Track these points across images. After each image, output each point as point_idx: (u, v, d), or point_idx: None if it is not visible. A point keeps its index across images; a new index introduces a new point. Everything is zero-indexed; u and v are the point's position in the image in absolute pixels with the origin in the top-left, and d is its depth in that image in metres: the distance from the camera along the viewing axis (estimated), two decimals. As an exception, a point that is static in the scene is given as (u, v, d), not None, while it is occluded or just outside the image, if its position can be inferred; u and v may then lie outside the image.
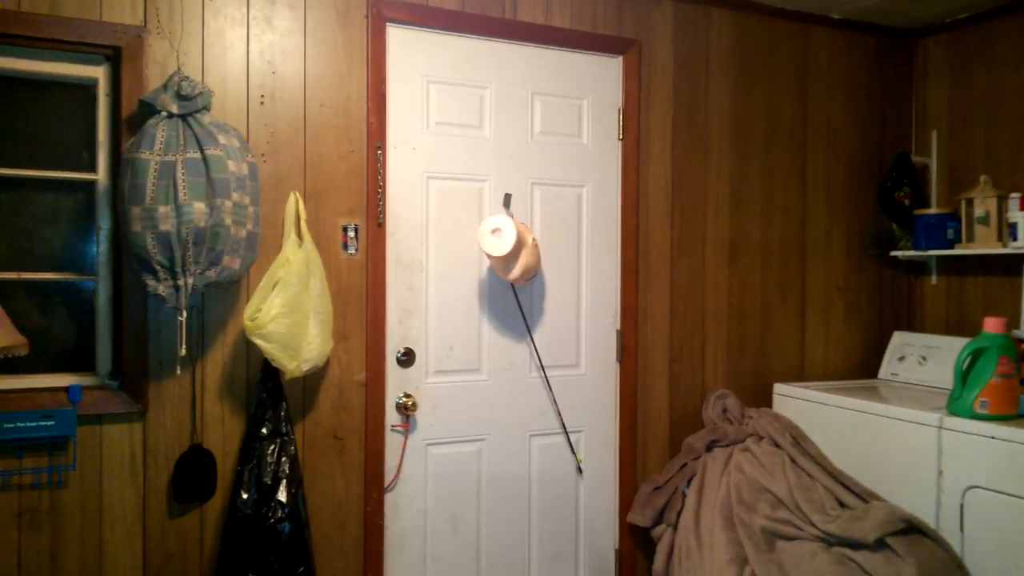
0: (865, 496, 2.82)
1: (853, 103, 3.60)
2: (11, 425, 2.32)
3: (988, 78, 3.39)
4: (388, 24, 2.75)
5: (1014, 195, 3.08)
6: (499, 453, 2.95)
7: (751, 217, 3.39)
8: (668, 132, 3.22)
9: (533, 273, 2.84)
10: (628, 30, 3.14)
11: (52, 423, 2.37)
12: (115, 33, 2.42)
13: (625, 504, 3.12)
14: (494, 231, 2.71)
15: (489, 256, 2.73)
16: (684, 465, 3.07)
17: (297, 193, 2.61)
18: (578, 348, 3.08)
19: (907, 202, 3.56)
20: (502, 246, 2.69)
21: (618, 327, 3.14)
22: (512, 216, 2.85)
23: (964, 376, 2.70)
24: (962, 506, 2.60)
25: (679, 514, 2.98)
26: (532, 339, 3.00)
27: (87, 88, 2.52)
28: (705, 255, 3.30)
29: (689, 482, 3.03)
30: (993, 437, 2.53)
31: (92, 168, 2.52)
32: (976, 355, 2.69)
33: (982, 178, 3.25)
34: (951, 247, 3.35)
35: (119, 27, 2.43)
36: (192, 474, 2.51)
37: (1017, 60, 3.27)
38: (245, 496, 2.45)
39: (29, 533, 2.39)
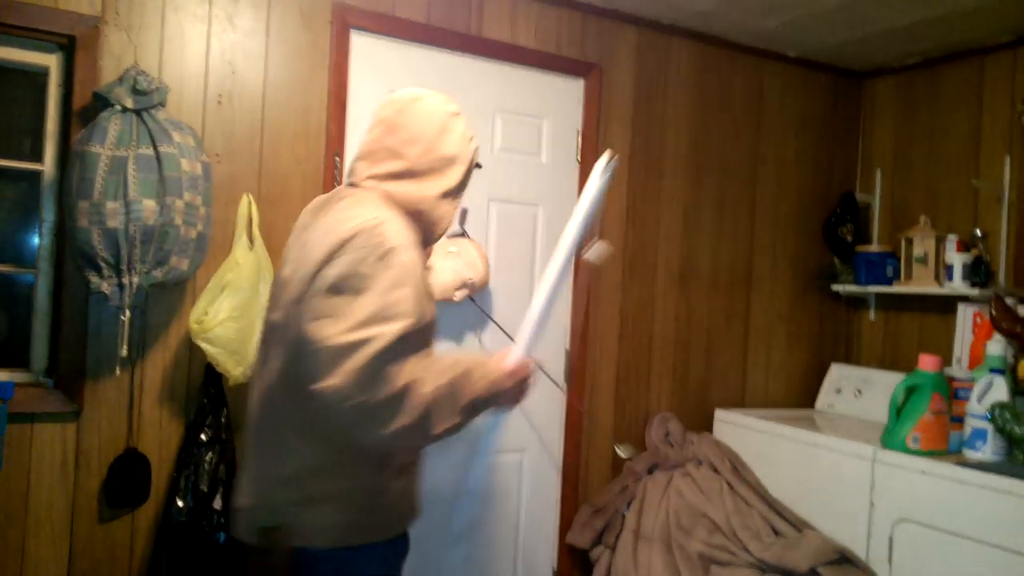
0: (799, 525, 2.88)
1: (804, 138, 3.70)
2: (-65, 420, 2.23)
3: (931, 121, 3.51)
4: (352, 31, 2.73)
5: (951, 236, 3.19)
6: (440, 470, 2.93)
7: (701, 244, 3.45)
8: (625, 156, 3.25)
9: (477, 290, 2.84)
10: (591, 54, 3.17)
11: (-21, 420, 2.27)
12: (71, 22, 2.35)
13: (566, 525, 3.13)
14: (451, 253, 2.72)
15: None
16: (625, 487, 3.10)
17: (250, 196, 2.56)
18: (526, 366, 3.09)
19: (850, 238, 3.66)
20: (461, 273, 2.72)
21: (567, 347, 3.15)
22: (466, 232, 2.85)
23: (898, 411, 2.77)
24: (891, 538, 2.68)
25: (618, 536, 3.00)
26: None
27: (37, 76, 2.44)
28: (655, 280, 3.35)
29: (629, 505, 3.06)
30: (924, 472, 2.60)
31: (38, 158, 2.44)
32: (910, 391, 2.77)
33: (922, 218, 3.36)
34: (890, 284, 3.46)
35: (75, 16, 2.36)
36: (126, 479, 2.44)
37: (958, 104, 3.40)
38: (180, 503, 2.39)
39: (-53, 534, 2.29)
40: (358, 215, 1.64)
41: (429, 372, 1.55)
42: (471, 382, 1.60)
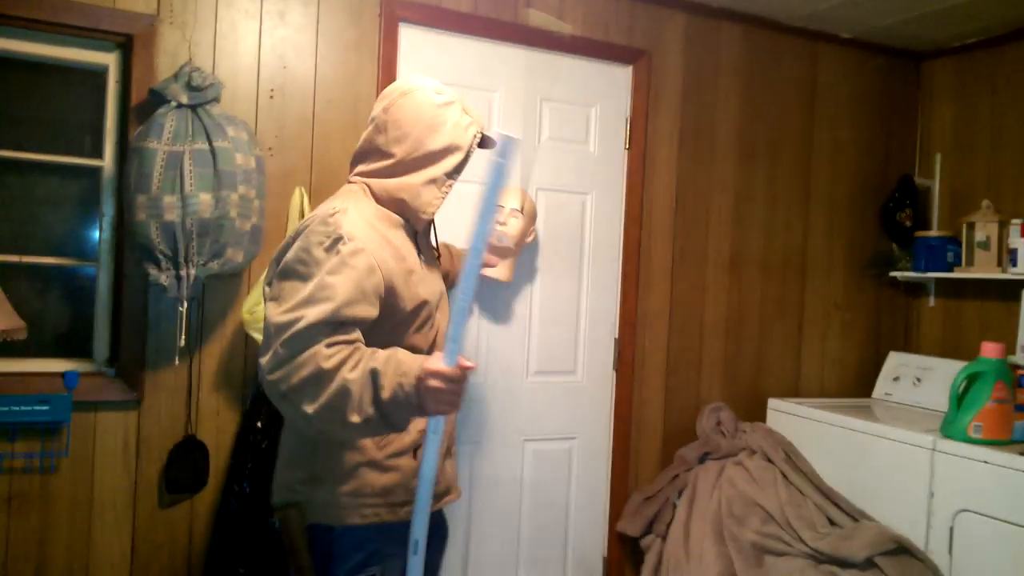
0: (855, 515, 2.82)
1: (858, 122, 3.61)
2: (5, 409, 2.32)
3: (993, 103, 3.40)
4: (400, 23, 2.75)
5: (1015, 221, 3.09)
6: (492, 457, 2.95)
7: (753, 231, 3.40)
8: (675, 143, 3.22)
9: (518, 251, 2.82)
10: (639, 40, 3.14)
11: (47, 408, 2.36)
12: (128, 21, 2.42)
13: (616, 513, 3.13)
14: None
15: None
16: (676, 476, 3.08)
17: (303, 188, 2.61)
18: (575, 355, 3.08)
19: (908, 223, 3.57)
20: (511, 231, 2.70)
21: (616, 336, 3.14)
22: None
23: (959, 399, 2.70)
24: (952, 529, 2.61)
25: (669, 525, 2.98)
26: (530, 344, 3.00)
27: (97, 74, 2.51)
28: (706, 267, 3.31)
29: (680, 494, 3.04)
30: (986, 462, 2.53)
31: (98, 154, 2.52)
32: (972, 379, 2.70)
33: (984, 203, 3.26)
34: (950, 270, 3.37)
35: (132, 15, 2.42)
36: (184, 465, 2.51)
37: (1022, 83, 3.29)
38: (237, 489, 2.44)
39: (18, 517, 2.38)
40: (324, 206, 1.74)
41: (352, 360, 1.55)
42: (391, 376, 1.53)
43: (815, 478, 2.98)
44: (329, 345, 1.55)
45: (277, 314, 1.58)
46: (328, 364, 1.53)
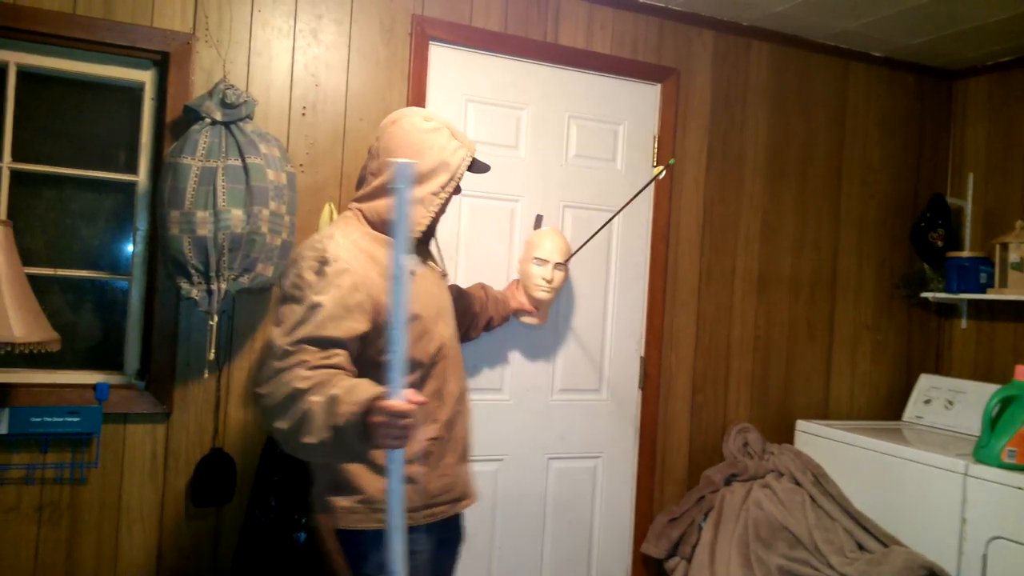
0: (886, 540, 2.78)
1: (889, 141, 3.58)
2: (38, 419, 2.35)
3: (1029, 121, 3.36)
4: (431, 42, 2.78)
5: (1051, 243, 3.05)
6: (516, 474, 2.94)
7: (782, 250, 3.38)
8: (703, 161, 3.21)
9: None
10: (668, 58, 3.14)
11: (78, 419, 2.39)
12: (165, 39, 2.46)
13: (640, 533, 3.10)
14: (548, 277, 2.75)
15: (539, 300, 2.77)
16: (702, 498, 3.05)
17: (332, 205, 2.63)
18: (601, 373, 3.07)
19: (940, 243, 3.53)
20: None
21: (642, 354, 3.12)
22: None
23: (992, 424, 2.66)
24: (985, 556, 2.56)
25: (694, 547, 2.95)
26: (556, 361, 2.99)
27: (133, 91, 2.56)
28: (733, 286, 3.29)
29: (706, 515, 3.01)
30: (1020, 488, 2.49)
31: (133, 170, 2.56)
32: (1006, 403, 2.65)
33: (1018, 223, 3.22)
34: (983, 291, 3.32)
35: (169, 33, 2.47)
36: (212, 478, 2.52)
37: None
38: (263, 502, 2.45)
39: (48, 527, 2.41)
40: (317, 234, 1.87)
41: (324, 385, 1.60)
42: (347, 405, 1.54)
43: (844, 502, 2.93)
44: (312, 367, 1.64)
45: (276, 335, 1.70)
46: (302, 385, 1.61)
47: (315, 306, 1.69)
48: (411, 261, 1.86)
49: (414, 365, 1.84)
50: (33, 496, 2.39)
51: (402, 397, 1.50)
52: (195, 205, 2.27)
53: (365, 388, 1.57)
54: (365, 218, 1.91)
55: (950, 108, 3.70)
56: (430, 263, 2.06)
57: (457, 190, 2.01)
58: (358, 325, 1.72)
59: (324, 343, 1.67)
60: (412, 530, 1.77)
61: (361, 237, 1.86)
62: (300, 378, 1.61)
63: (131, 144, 2.57)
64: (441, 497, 1.94)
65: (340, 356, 1.68)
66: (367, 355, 1.76)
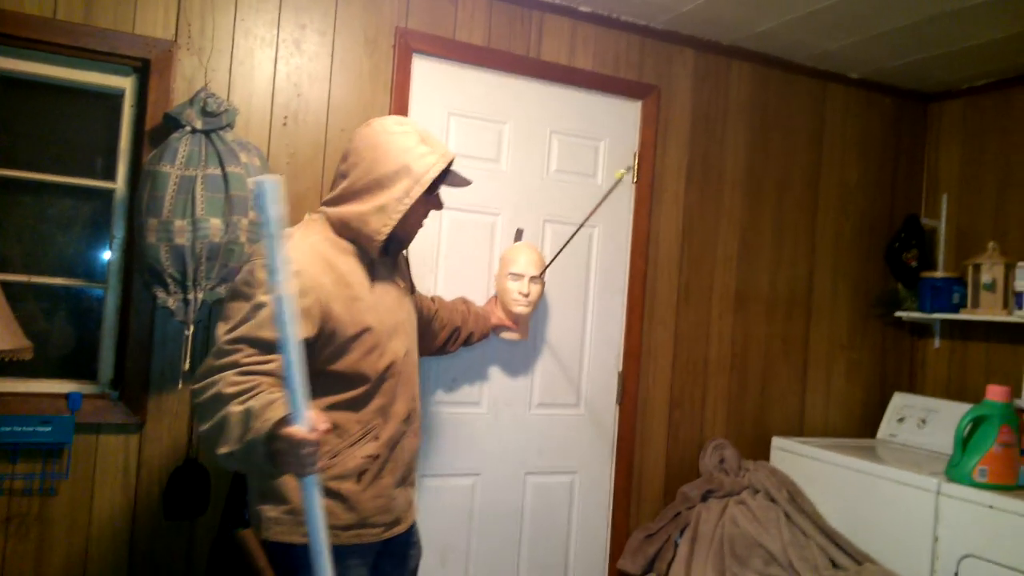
0: (859, 557, 2.80)
1: (866, 161, 3.63)
2: (7, 429, 2.31)
3: (1002, 144, 3.42)
4: (414, 55, 2.78)
5: (1022, 264, 3.09)
6: (493, 489, 2.93)
7: (759, 268, 3.41)
8: (682, 179, 3.24)
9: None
10: (649, 75, 3.17)
11: (49, 429, 2.35)
12: (146, 46, 2.44)
13: (616, 549, 3.10)
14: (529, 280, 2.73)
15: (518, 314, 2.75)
16: (678, 514, 3.05)
17: (312, 215, 2.61)
18: (579, 388, 3.07)
19: (914, 264, 3.57)
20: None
21: (620, 369, 3.13)
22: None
23: (964, 443, 2.69)
24: (956, 574, 2.58)
25: (670, 564, 2.95)
26: (534, 376, 2.99)
27: (113, 98, 2.54)
28: (711, 302, 3.31)
29: (682, 532, 3.01)
30: (991, 507, 2.51)
31: (111, 177, 2.53)
32: (977, 422, 2.69)
33: (990, 244, 3.27)
34: (956, 311, 3.36)
35: (150, 40, 2.45)
36: (185, 490, 2.49)
37: (1030, 128, 3.31)
38: (237, 515, 2.42)
39: (15, 539, 2.36)
40: None
41: (248, 394, 1.57)
42: (259, 421, 1.49)
43: (818, 519, 2.95)
44: (243, 372, 1.60)
45: (219, 331, 1.68)
46: (227, 391, 1.58)
47: (260, 305, 1.64)
48: (359, 273, 1.84)
49: (361, 379, 1.82)
50: (1, 507, 2.35)
51: (306, 422, 1.42)
52: (173, 214, 2.24)
53: (279, 407, 1.49)
54: (329, 222, 1.87)
55: (925, 130, 3.76)
56: (397, 278, 2.00)
57: (438, 205, 1.99)
58: (302, 330, 1.64)
59: (262, 345, 1.62)
60: (339, 549, 1.69)
61: (321, 241, 1.83)
62: (228, 383, 1.58)
63: (110, 151, 2.54)
64: (373, 519, 1.87)
65: (276, 362, 1.59)
66: (314, 364, 1.67)
